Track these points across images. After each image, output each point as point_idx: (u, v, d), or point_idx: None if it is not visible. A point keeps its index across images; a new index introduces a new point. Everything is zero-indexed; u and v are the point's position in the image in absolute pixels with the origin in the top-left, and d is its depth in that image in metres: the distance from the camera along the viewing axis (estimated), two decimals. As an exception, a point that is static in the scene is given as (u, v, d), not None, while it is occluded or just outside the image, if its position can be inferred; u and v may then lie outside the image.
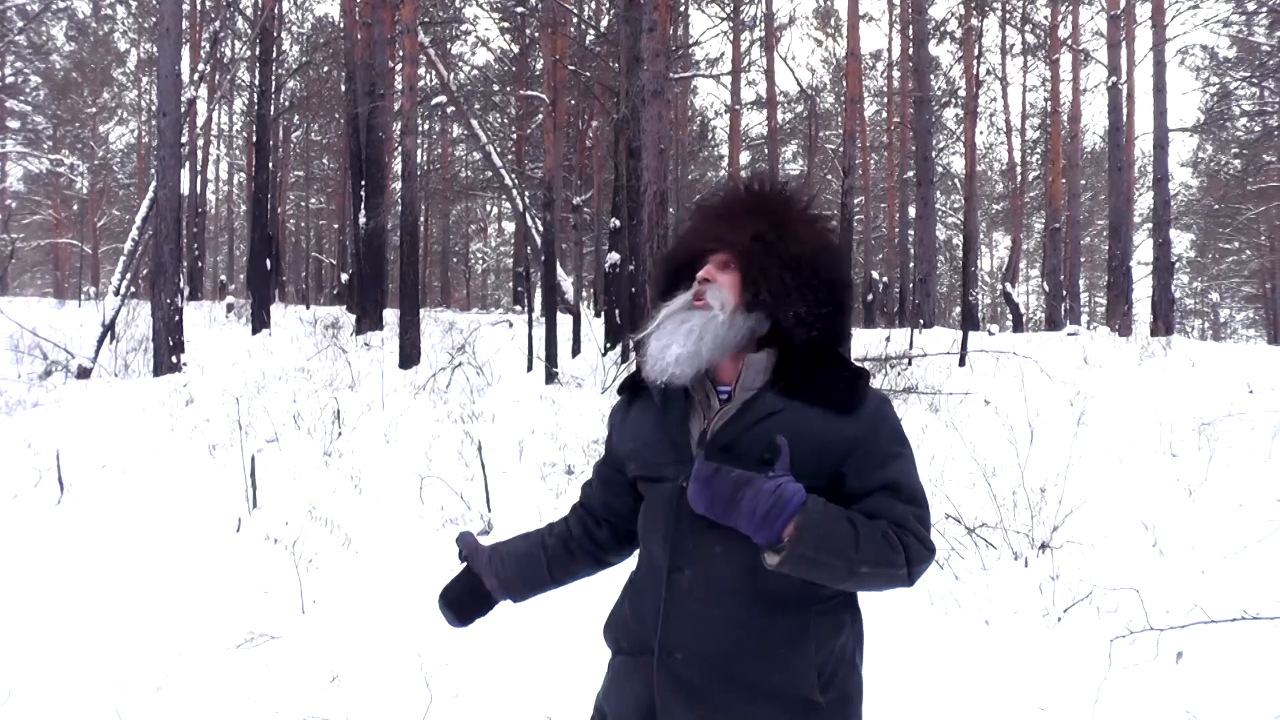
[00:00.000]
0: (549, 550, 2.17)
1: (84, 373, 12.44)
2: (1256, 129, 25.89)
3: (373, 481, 6.94)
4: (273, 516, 6.22)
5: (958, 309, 25.95)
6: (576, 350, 12.09)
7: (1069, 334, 14.91)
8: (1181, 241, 34.58)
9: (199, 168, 27.53)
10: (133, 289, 19.41)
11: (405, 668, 4.07)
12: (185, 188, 13.42)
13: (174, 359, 12.23)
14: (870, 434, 1.84)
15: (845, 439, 1.82)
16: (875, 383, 9.43)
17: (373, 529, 5.97)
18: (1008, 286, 25.75)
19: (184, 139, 13.21)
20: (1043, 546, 5.05)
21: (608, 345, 11.12)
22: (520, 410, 8.84)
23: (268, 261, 17.12)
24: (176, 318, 12.54)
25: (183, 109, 12.98)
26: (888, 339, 11.81)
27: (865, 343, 11.33)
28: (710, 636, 1.82)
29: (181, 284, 13.34)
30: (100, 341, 12.94)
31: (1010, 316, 24.35)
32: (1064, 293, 22.60)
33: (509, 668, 4.14)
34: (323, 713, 3.74)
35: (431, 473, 6.87)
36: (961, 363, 10.67)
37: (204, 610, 4.80)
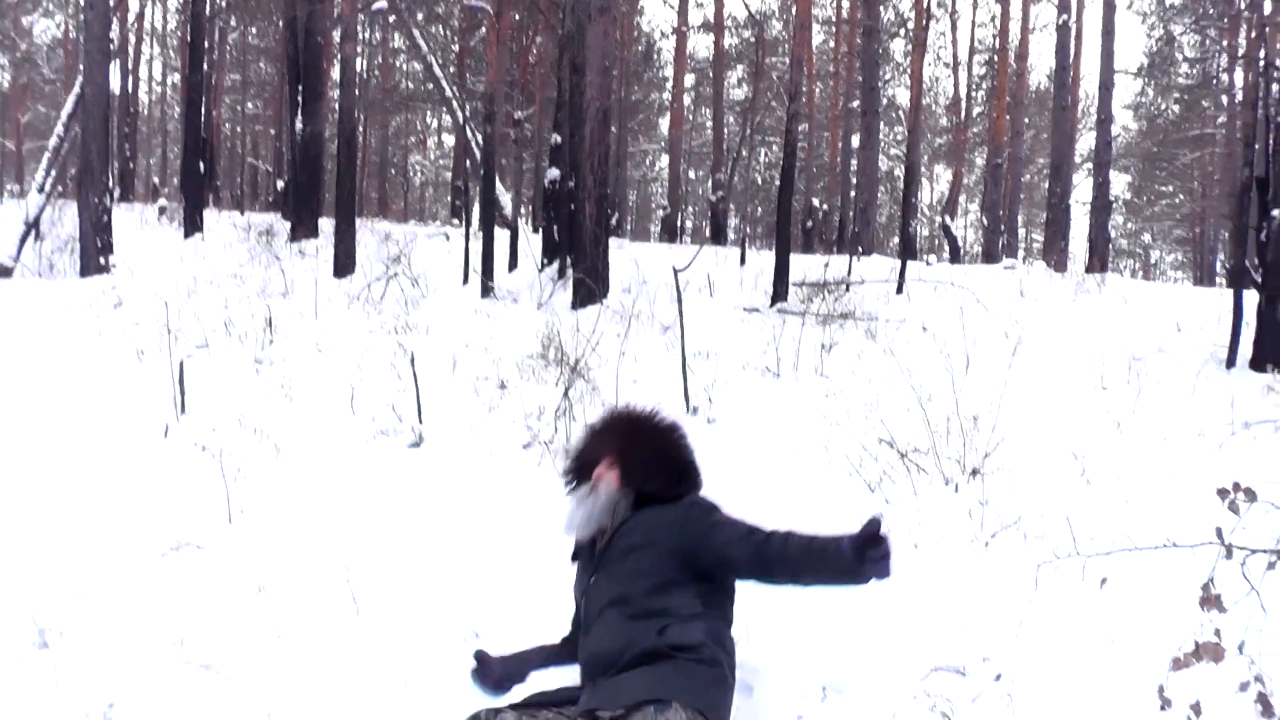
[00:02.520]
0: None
1: (5, 271, 11.99)
2: (1197, 75, 26.08)
3: (304, 391, 6.80)
4: (201, 423, 6.07)
5: (896, 239, 26.07)
6: (514, 265, 11.92)
7: (1006, 268, 15.02)
8: (1118, 183, 34.98)
9: (130, 66, 26.46)
10: (60, 189, 18.73)
11: (332, 580, 3.99)
12: (114, 85, 12.88)
13: (102, 260, 11.84)
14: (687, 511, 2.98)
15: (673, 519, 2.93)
16: (814, 307, 9.42)
17: (302, 438, 5.85)
18: (946, 219, 25.85)
19: (113, 33, 12.64)
20: (973, 473, 5.08)
21: (545, 261, 10.96)
22: (455, 323, 8.69)
23: (201, 165, 16.58)
24: (104, 217, 12.11)
25: (111, 1, 12.39)
26: (826, 265, 11.79)
27: (804, 268, 11.30)
28: (599, 639, 2.73)
29: (110, 183, 12.87)
30: (23, 240, 12.47)
31: (948, 249, 24.50)
32: (1002, 228, 22.77)
33: (436, 584, 4.09)
34: (248, 624, 3.65)
35: (363, 383, 6.74)
36: (899, 291, 10.70)
37: (129, 518, 4.67)
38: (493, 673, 2.97)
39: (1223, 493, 2.87)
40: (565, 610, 3.57)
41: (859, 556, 2.53)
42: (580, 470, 3.16)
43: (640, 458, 3.10)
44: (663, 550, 2.82)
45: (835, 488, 5.18)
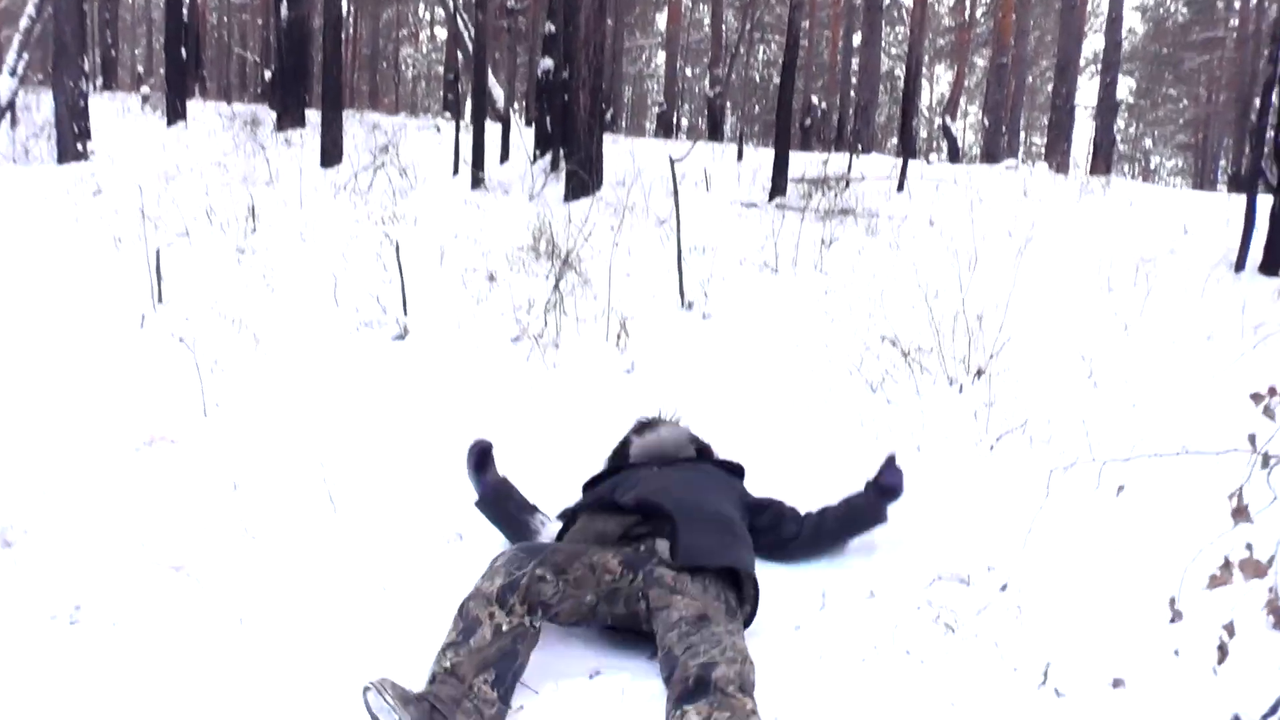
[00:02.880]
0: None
1: (-21, 158, 11.60)
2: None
3: (285, 281, 6.54)
4: (178, 314, 5.82)
5: (894, 139, 25.54)
6: (505, 157, 11.53)
7: (1007, 168, 14.64)
8: (1122, 87, 34.22)
9: (109, -53, 25.47)
10: (39, 77, 18.10)
11: (309, 478, 3.78)
12: (90, -38, 12.28)
13: (80, 146, 11.42)
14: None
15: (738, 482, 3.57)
16: (813, 203, 9.12)
17: (283, 330, 5.61)
18: (946, 120, 25.29)
19: (87, -93, 12.02)
20: (978, 374, 4.87)
21: (537, 153, 10.58)
22: (443, 215, 8.39)
23: (184, 51, 15.99)
24: (81, 102, 11.65)
25: (84, -128, 11.76)
26: (825, 162, 11.43)
27: (802, 165, 10.95)
28: (667, 492, 3.07)
29: (86, 66, 12.38)
30: (-4, 125, 12.03)
31: (946, 149, 23.99)
32: (1004, 128, 22.25)
33: (418, 483, 3.89)
34: (221, 523, 3.45)
35: (347, 274, 6.47)
36: (900, 188, 10.37)
37: (101, 411, 4.44)
38: (489, 480, 3.42)
39: (1256, 397, 2.64)
40: (545, 494, 3.58)
41: (882, 497, 3.44)
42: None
43: (699, 437, 3.82)
44: (729, 486, 3.43)
45: (835, 386, 4.98)
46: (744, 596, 2.88)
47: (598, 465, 3.88)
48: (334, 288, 6.14)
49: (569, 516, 3.21)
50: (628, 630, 2.77)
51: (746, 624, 2.83)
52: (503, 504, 3.39)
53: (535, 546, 2.70)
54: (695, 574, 2.71)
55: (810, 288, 6.63)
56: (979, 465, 4.15)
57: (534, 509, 3.40)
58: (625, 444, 3.75)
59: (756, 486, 3.61)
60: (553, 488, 3.74)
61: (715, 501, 3.16)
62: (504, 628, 2.38)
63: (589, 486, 3.61)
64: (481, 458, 3.43)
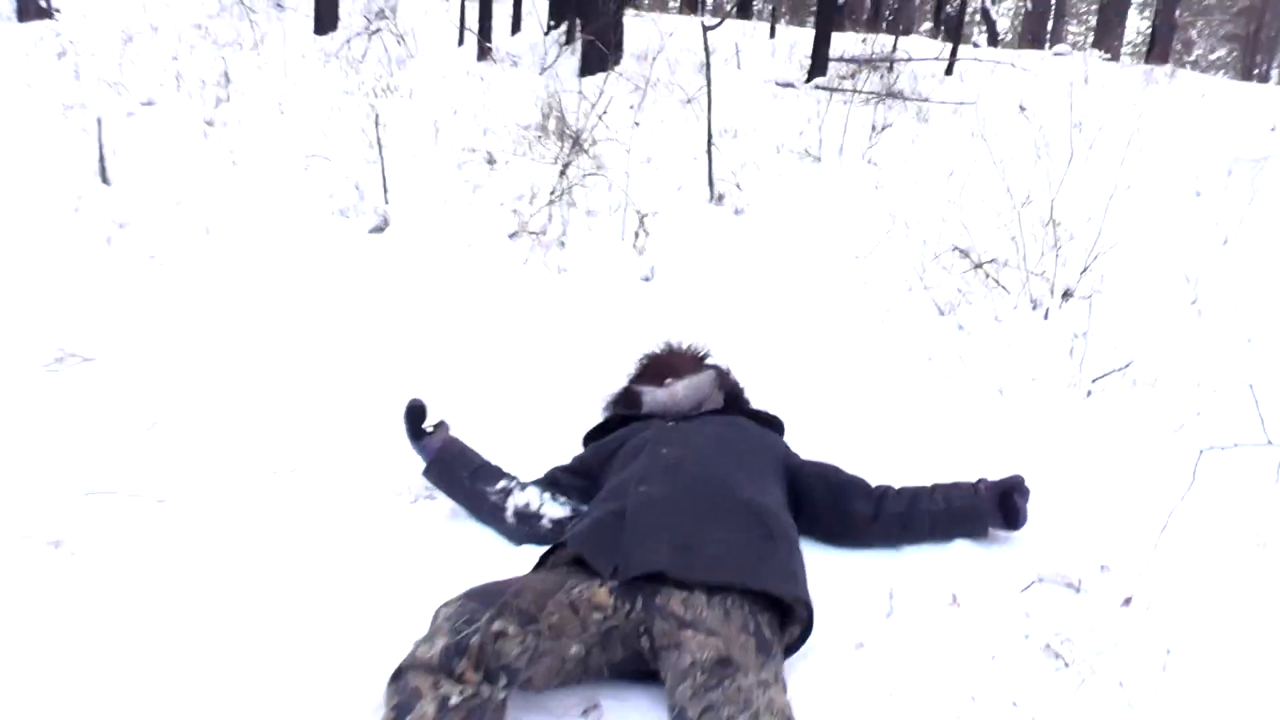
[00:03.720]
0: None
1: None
2: None
3: (255, 159, 5.64)
4: (123, 197, 4.95)
5: (928, 23, 24.07)
6: (516, 28, 10.46)
7: (1057, 54, 13.45)
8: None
9: None
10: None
11: (243, 415, 3.00)
12: None
13: (43, 2, 10.36)
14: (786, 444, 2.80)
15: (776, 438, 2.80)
16: (857, 84, 8.10)
17: (242, 218, 4.76)
18: (986, 2, 23.80)
19: None
20: (1065, 295, 4.01)
21: (551, 23, 9.51)
22: (443, 87, 7.42)
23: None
24: (48, -50, 10.54)
25: None
26: (864, 40, 10.32)
27: (841, 45, 9.85)
28: (685, 477, 2.31)
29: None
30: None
31: (986, 32, 22.56)
32: (1052, 13, 20.82)
33: (359, 441, 3.10)
34: (124, 477, 2.68)
35: (327, 152, 5.57)
36: (949, 72, 9.32)
37: (9, 317, 3.64)
38: (433, 445, 2.71)
39: None
40: (544, 429, 3.09)
41: (996, 519, 2.64)
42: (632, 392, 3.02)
43: (729, 375, 3.06)
44: (766, 446, 2.67)
45: (893, 306, 4.12)
46: (789, 615, 2.12)
47: (606, 389, 3.12)
48: (306, 167, 5.24)
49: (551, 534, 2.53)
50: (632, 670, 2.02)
51: (793, 649, 2.10)
52: (454, 472, 2.67)
53: (492, 590, 1.89)
54: (715, 593, 1.97)
55: (858, 181, 5.70)
56: (1074, 416, 3.34)
57: (497, 474, 2.68)
58: (633, 394, 2.98)
59: (801, 443, 2.82)
60: (550, 424, 3.09)
61: (747, 481, 2.39)
62: (452, 701, 1.62)
63: (591, 438, 2.87)
64: (415, 421, 2.71)
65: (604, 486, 2.53)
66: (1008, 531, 2.66)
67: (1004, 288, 4.03)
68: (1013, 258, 4.15)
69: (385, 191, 4.86)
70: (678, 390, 2.86)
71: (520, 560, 2.49)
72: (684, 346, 3.12)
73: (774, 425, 2.86)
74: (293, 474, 2.74)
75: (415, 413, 2.69)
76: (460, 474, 2.65)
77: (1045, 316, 3.89)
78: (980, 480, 2.68)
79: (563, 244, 4.58)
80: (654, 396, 2.87)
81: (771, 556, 2.13)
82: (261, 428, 2.95)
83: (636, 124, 5.43)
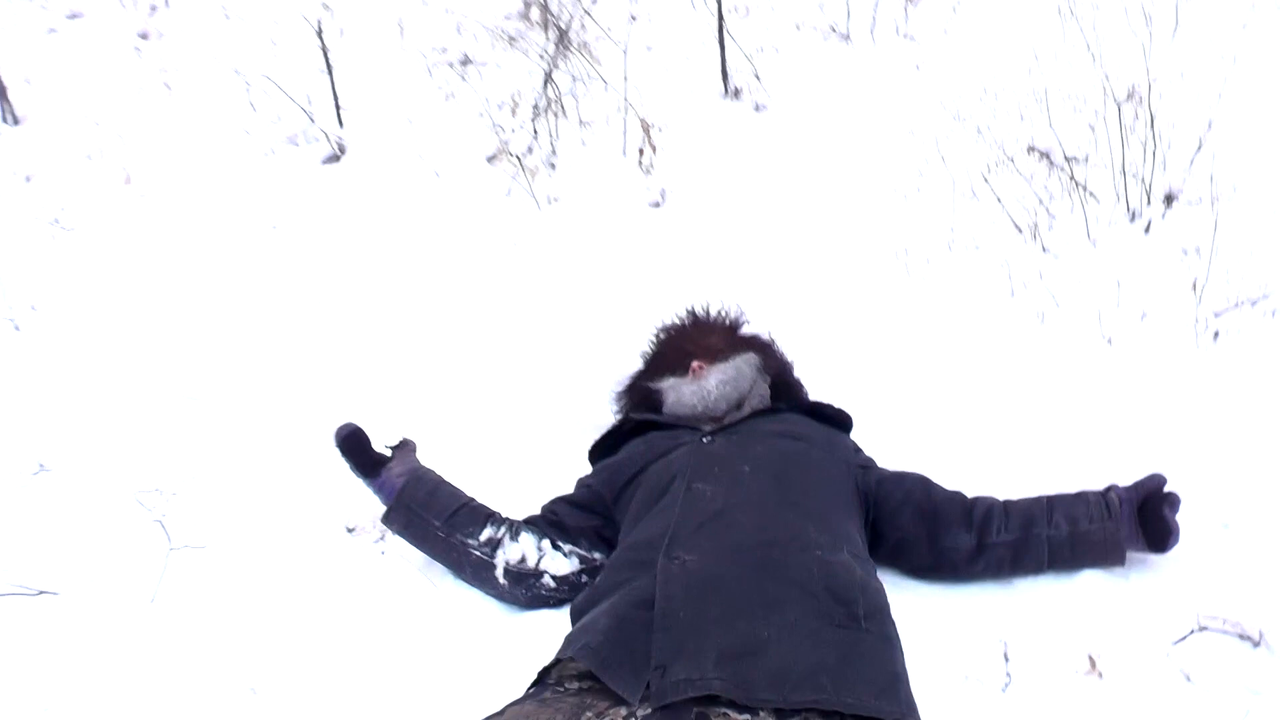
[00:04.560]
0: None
1: None
2: None
3: (192, 79, 4.88)
4: (32, 139, 4.25)
5: None
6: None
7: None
8: None
9: None
10: None
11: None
12: None
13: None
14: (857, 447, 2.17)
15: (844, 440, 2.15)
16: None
17: (170, 156, 4.06)
18: None
19: None
20: (1167, 200, 3.29)
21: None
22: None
23: None
24: None
25: None
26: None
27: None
28: (735, 535, 1.68)
29: None
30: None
31: None
32: None
33: (346, 375, 2.52)
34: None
35: (274, 67, 4.80)
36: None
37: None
38: (392, 480, 2.07)
39: None
40: (536, 422, 2.60)
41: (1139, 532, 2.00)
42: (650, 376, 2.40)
43: (775, 350, 2.46)
44: (836, 462, 2.03)
45: (958, 221, 3.40)
46: None
47: (614, 367, 2.52)
48: (248, 87, 4.50)
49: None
50: None
51: None
52: (423, 520, 2.04)
53: None
54: (786, 717, 1.39)
55: (895, 61, 4.89)
56: (1203, 368, 2.67)
57: (480, 517, 2.06)
58: (650, 393, 2.34)
59: (859, 426, 2.25)
60: (544, 415, 2.64)
61: (819, 530, 1.76)
62: None
63: (599, 453, 2.25)
64: (355, 448, 2.08)
65: (621, 536, 1.92)
66: (1150, 553, 2.03)
67: (1093, 194, 3.31)
68: (1093, 154, 3.42)
69: (338, 112, 4.13)
70: (709, 384, 2.22)
71: (513, 636, 1.91)
72: (713, 314, 2.47)
73: (840, 423, 2.23)
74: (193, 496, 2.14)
75: (353, 443, 2.06)
76: (431, 523, 2.02)
77: (1146, 230, 3.19)
78: (1110, 489, 2.05)
79: (552, 166, 3.86)
80: (679, 394, 2.24)
81: (863, 655, 1.51)
82: (174, 429, 2.34)
83: (633, 18, 4.62)
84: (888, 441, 2.33)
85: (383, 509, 2.05)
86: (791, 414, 2.17)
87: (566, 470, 2.33)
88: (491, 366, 2.86)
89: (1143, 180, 3.27)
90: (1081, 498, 2.03)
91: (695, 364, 2.30)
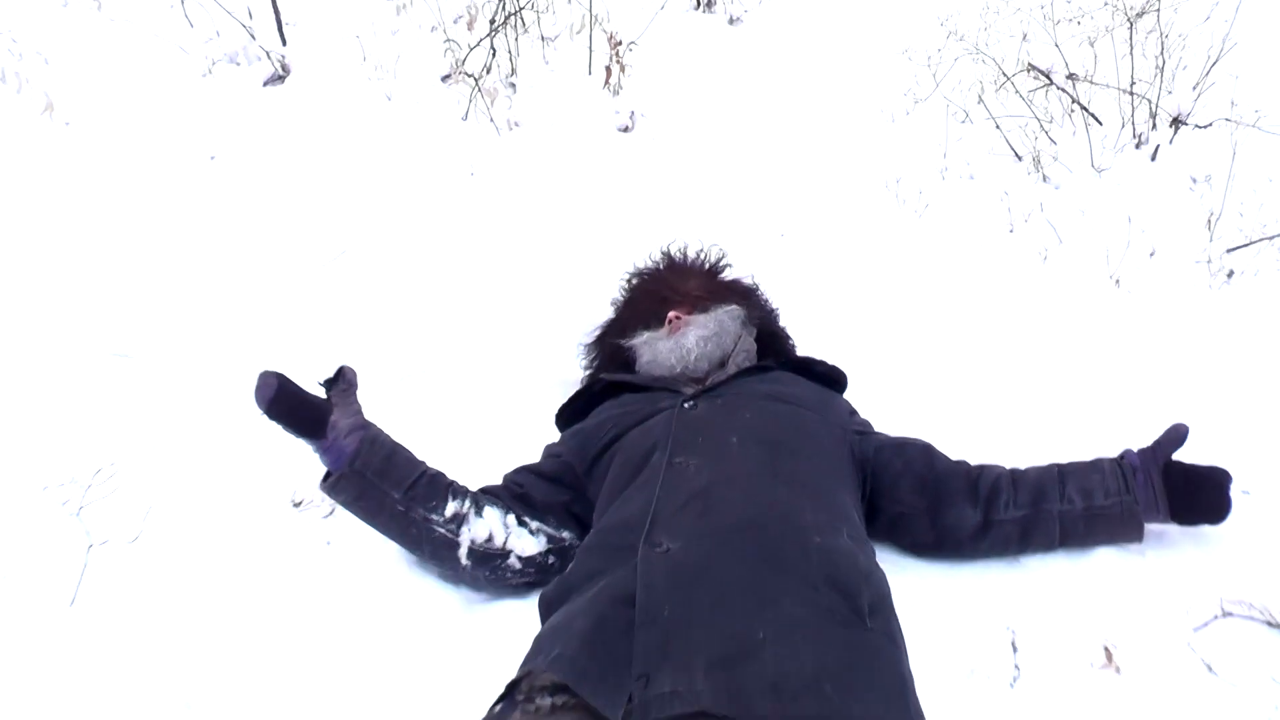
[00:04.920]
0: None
1: None
2: None
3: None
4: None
5: None
6: None
7: None
8: None
9: None
10: None
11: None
12: None
13: None
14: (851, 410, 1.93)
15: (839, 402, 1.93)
16: None
17: (99, 76, 3.75)
18: None
19: None
20: (1175, 123, 3.10)
21: None
22: None
23: None
24: None
25: None
26: None
27: None
28: (724, 515, 1.48)
29: None
30: None
31: None
32: None
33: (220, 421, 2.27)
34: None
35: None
36: None
37: None
38: (338, 440, 1.72)
39: None
40: (498, 373, 2.38)
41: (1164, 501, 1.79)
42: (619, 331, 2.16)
43: (760, 298, 2.23)
44: (831, 426, 1.83)
45: (952, 148, 3.20)
46: None
47: (581, 314, 2.34)
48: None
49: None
50: None
51: None
52: (378, 491, 1.74)
53: None
54: None
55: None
56: (1215, 311, 2.51)
57: (441, 489, 1.78)
58: (621, 351, 2.13)
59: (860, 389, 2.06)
60: (507, 364, 2.39)
61: (814, 507, 1.56)
62: None
63: (568, 418, 2.04)
64: (287, 409, 1.67)
65: (595, 515, 1.75)
66: (1172, 524, 1.85)
67: (1095, 117, 3.11)
68: (1096, 73, 3.21)
69: (281, 28, 3.82)
70: (688, 341, 2.00)
71: (479, 632, 1.75)
72: (690, 258, 2.27)
73: (834, 381, 2.04)
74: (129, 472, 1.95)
75: (283, 404, 1.66)
76: (389, 495, 1.73)
77: (1153, 157, 3.00)
78: (1126, 455, 1.88)
79: (512, 87, 3.59)
80: (655, 352, 2.02)
81: (869, 658, 1.32)
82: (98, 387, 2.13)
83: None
84: (879, 395, 2.16)
85: (326, 474, 1.75)
86: (780, 371, 1.99)
87: (529, 432, 2.15)
88: (446, 311, 2.64)
89: (1149, 102, 3.07)
90: (1096, 467, 1.86)
91: (672, 314, 2.10)
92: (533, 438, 2.07)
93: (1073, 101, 3.11)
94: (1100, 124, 3.08)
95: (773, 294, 2.31)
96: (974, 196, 2.94)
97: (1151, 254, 2.65)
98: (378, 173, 3.18)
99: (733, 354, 2.02)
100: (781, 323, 2.25)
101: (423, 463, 1.81)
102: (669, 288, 2.16)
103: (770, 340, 2.15)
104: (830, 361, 2.04)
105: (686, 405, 1.82)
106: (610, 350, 2.15)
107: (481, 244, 2.84)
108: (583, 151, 3.31)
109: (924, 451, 1.88)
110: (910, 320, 2.58)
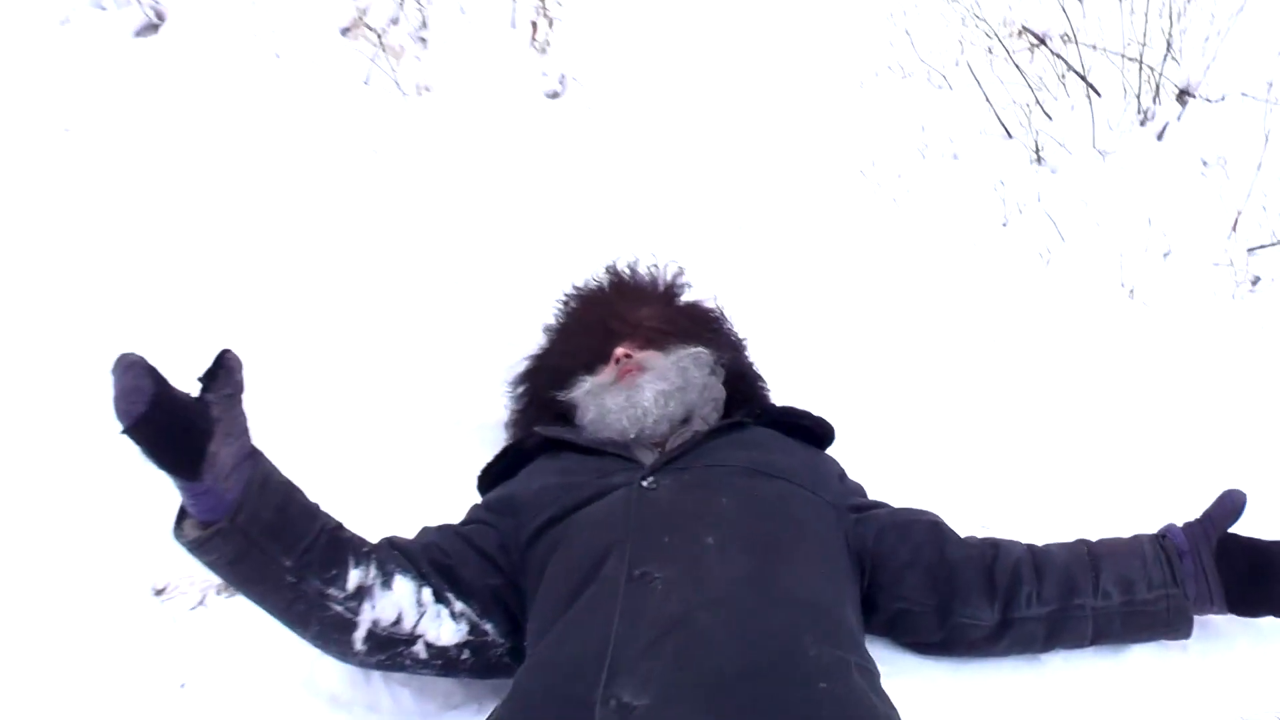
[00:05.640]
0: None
1: None
2: None
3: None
4: None
5: None
6: None
7: None
8: None
9: None
10: None
11: None
12: None
13: None
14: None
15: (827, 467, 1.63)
16: None
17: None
18: None
19: None
20: (1183, 96, 2.77)
21: None
22: None
23: None
24: None
25: None
26: None
27: None
28: (705, 654, 1.18)
29: None
30: None
31: None
32: None
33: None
34: None
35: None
36: None
37: None
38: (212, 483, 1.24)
39: None
40: (397, 386, 2.06)
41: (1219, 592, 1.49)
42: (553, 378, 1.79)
43: (726, 331, 1.90)
44: (822, 507, 1.50)
45: (931, 118, 2.84)
46: None
47: (504, 329, 2.02)
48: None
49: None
50: None
51: None
52: (262, 556, 1.31)
53: None
54: None
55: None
56: (1239, 325, 2.21)
57: (342, 550, 1.39)
58: (555, 406, 1.77)
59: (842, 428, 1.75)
60: (406, 389, 2.06)
61: (812, 623, 1.28)
62: None
63: (493, 476, 1.69)
64: (161, 430, 1.19)
65: (530, 630, 1.42)
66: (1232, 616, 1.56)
67: (1094, 88, 2.77)
68: (1094, 35, 2.88)
69: (151, -35, 3.35)
70: (644, 397, 1.65)
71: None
72: (640, 277, 1.91)
73: (819, 437, 1.71)
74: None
75: (160, 407, 1.17)
76: (278, 562, 1.32)
77: (1160, 136, 2.68)
78: (1168, 531, 1.56)
79: (423, 42, 3.15)
80: (602, 408, 1.67)
81: None
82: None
83: None
84: (858, 425, 1.85)
85: (202, 520, 1.29)
86: (757, 428, 1.64)
87: (435, 477, 1.82)
88: (340, 317, 2.26)
89: (1152, 70, 2.75)
90: (1136, 550, 1.54)
91: (620, 350, 1.74)
92: (439, 485, 1.74)
93: (1068, 68, 2.77)
94: (1099, 95, 2.75)
95: (733, 307, 1.97)
96: (959, 180, 2.60)
97: (1166, 255, 2.34)
98: (262, 146, 2.78)
99: (697, 407, 1.67)
100: (749, 355, 1.90)
101: (319, 510, 1.42)
102: (616, 317, 1.81)
103: (738, 383, 1.80)
104: (816, 413, 1.69)
105: (646, 483, 1.47)
106: (544, 400, 1.79)
107: (382, 236, 2.47)
108: (504, 121, 2.92)
109: (932, 534, 1.56)
110: (891, 331, 2.27)
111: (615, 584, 1.30)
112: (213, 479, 1.24)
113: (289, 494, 1.37)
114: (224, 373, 1.25)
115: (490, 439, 1.98)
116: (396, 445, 1.97)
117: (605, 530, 1.41)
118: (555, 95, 3.09)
